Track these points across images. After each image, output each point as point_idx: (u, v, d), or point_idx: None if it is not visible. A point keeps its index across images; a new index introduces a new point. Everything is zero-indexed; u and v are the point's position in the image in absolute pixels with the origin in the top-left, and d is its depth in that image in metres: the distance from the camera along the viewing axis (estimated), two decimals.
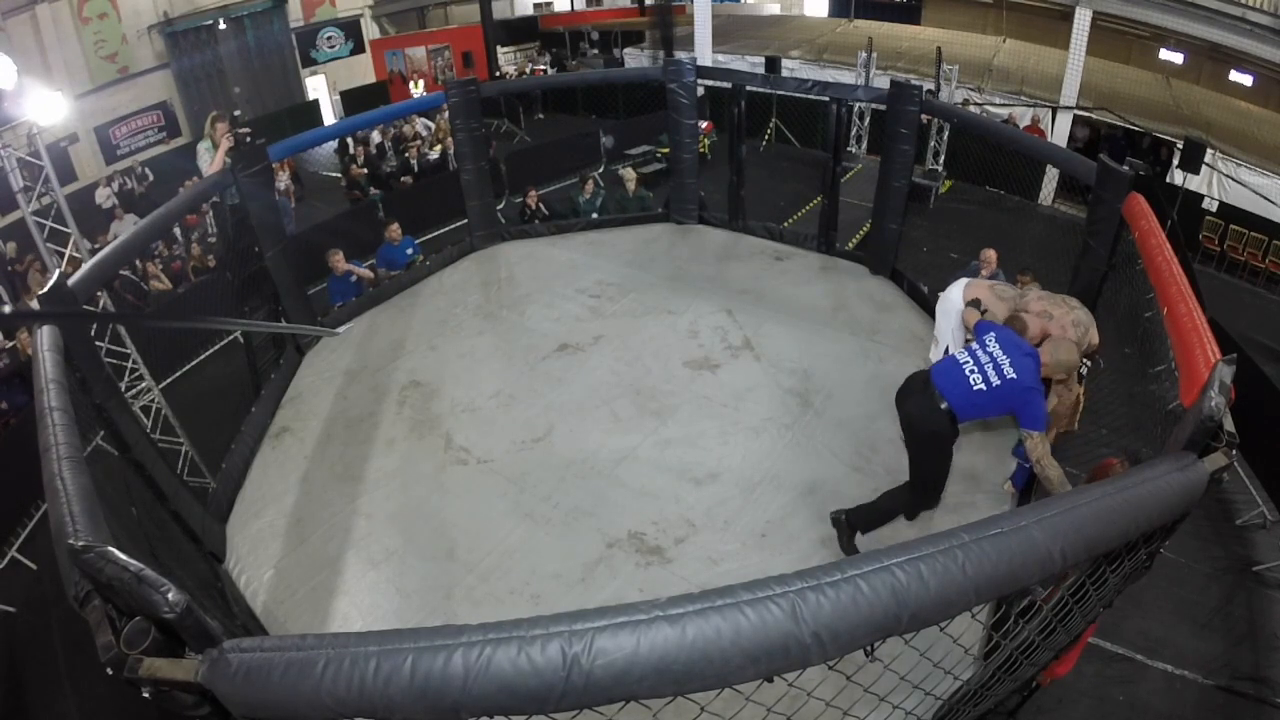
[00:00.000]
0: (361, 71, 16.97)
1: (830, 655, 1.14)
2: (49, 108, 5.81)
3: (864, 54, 12.25)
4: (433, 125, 13.56)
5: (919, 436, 3.07)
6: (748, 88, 6.11)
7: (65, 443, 1.88)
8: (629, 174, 8.07)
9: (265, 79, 15.32)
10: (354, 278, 6.09)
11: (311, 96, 16.21)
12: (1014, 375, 2.80)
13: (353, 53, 16.85)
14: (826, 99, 5.58)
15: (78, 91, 12.24)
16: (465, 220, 6.48)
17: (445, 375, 4.77)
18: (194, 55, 14.14)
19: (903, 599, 1.17)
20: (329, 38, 16.38)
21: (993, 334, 2.99)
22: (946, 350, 3.73)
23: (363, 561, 3.46)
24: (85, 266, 3.21)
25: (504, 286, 5.87)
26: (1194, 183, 9.83)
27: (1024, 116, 11.84)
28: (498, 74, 15.81)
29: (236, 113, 5.10)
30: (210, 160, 4.66)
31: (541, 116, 16.45)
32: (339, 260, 6.02)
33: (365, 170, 12.05)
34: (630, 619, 1.10)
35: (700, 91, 7.16)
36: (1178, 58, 14.00)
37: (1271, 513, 5.47)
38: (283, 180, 10.64)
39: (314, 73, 16.34)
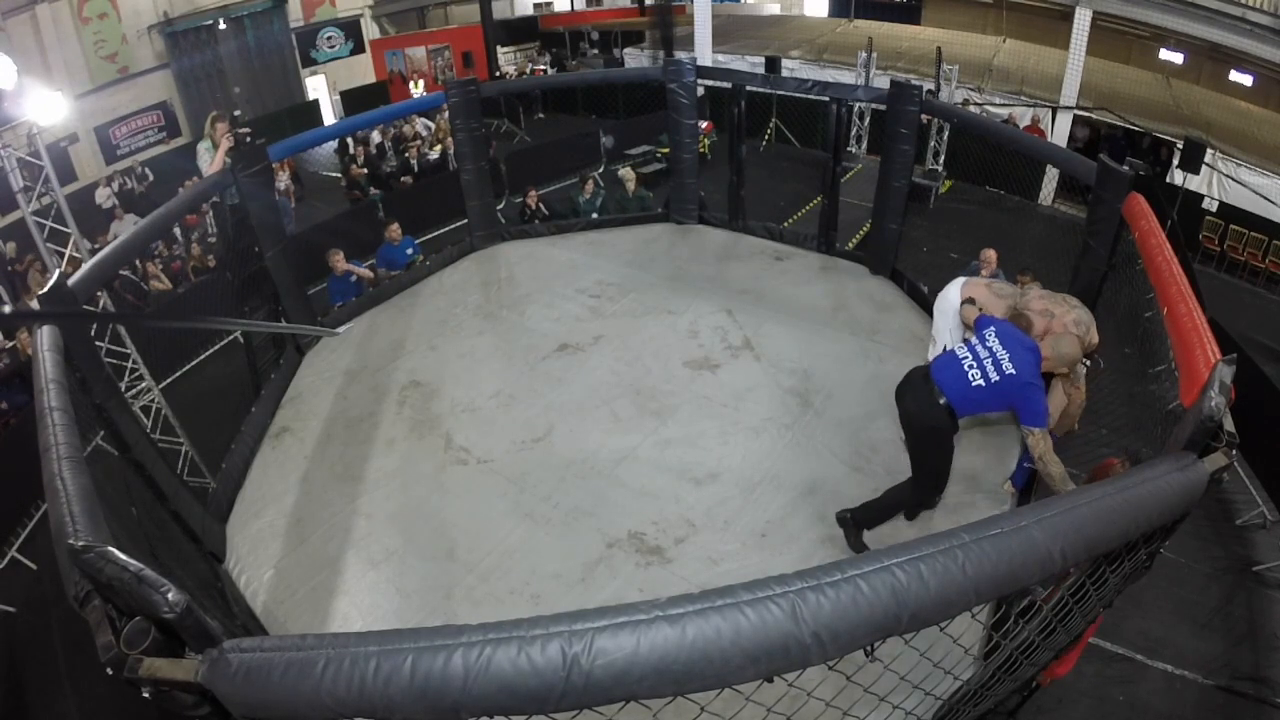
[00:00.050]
0: (361, 71, 16.97)
1: (830, 655, 1.14)
2: (49, 108, 5.81)
3: (864, 54, 12.26)
4: (433, 125, 13.56)
5: (918, 432, 3.07)
6: (748, 88, 6.11)
7: (65, 443, 1.88)
8: (628, 174, 8.07)
9: (265, 79, 15.32)
10: (354, 278, 6.09)
11: (311, 96, 16.21)
12: (1013, 371, 2.79)
13: (353, 53, 16.85)
14: (826, 99, 5.58)
15: (78, 91, 12.24)
16: (465, 220, 6.48)
17: (445, 375, 4.77)
18: (194, 55, 14.14)
19: (903, 599, 1.17)
20: (329, 38, 16.39)
21: (993, 329, 2.98)
22: (945, 349, 3.73)
23: (363, 561, 3.46)
24: (85, 266, 3.21)
25: (504, 286, 5.87)
26: (1194, 183, 9.83)
27: (1024, 116, 11.84)
28: (498, 74, 15.81)
29: (236, 113, 5.09)
30: (210, 160, 4.66)
31: (541, 116, 16.45)
32: (339, 260, 6.02)
33: (365, 170, 12.05)
34: (630, 619, 1.10)
35: (700, 91, 7.16)
36: (1178, 58, 14.00)
37: (1271, 513, 5.47)
38: (283, 180, 10.64)
39: (314, 73, 16.34)
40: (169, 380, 7.10)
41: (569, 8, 21.44)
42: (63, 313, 2.84)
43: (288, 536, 3.64)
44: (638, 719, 1.44)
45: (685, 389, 4.47)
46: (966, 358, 2.92)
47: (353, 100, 15.78)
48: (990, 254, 5.59)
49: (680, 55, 9.86)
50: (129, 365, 5.49)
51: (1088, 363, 3.39)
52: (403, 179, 12.00)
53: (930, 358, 3.86)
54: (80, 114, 12.22)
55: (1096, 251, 3.77)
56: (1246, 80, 12.95)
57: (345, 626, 3.14)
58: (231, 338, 7.53)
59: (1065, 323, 3.27)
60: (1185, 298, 2.37)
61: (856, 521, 3.29)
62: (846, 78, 12.18)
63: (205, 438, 5.43)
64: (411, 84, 16.78)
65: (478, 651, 1.07)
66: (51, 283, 2.88)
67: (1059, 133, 11.58)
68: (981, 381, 2.84)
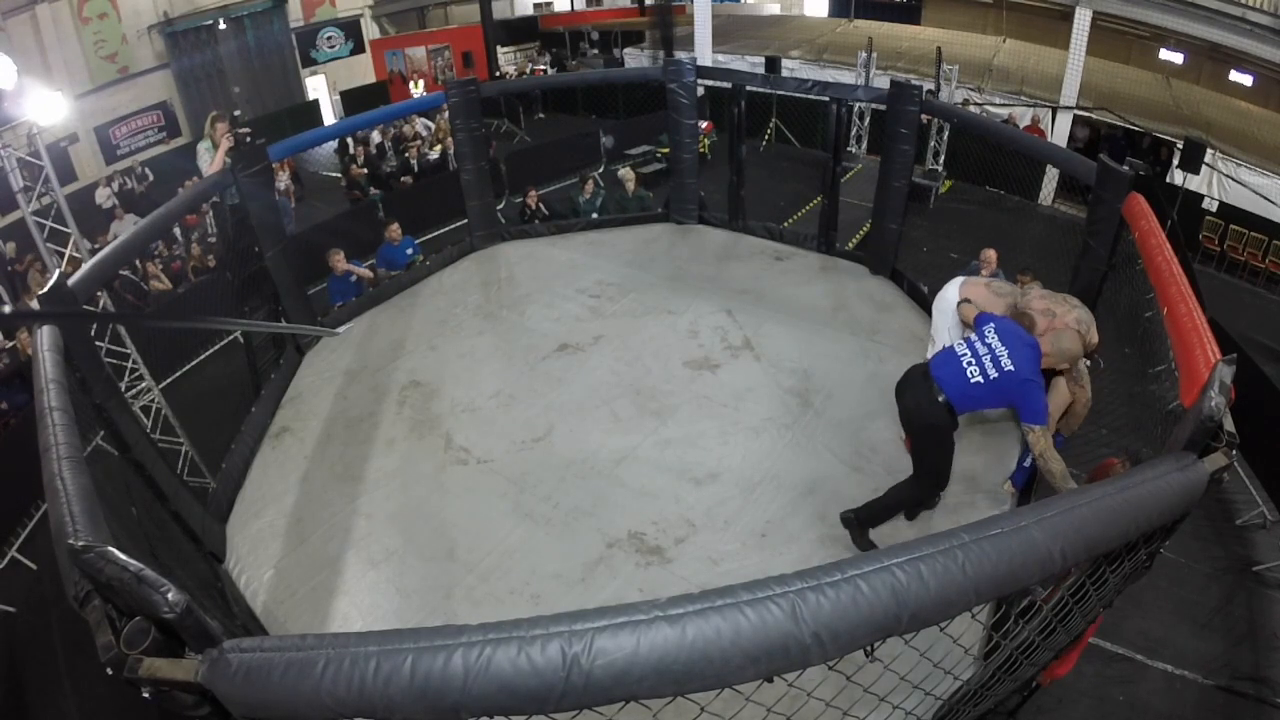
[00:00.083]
0: (361, 71, 16.97)
1: (830, 655, 1.14)
2: (49, 108, 5.81)
3: (864, 54, 12.26)
4: (433, 125, 13.56)
5: (917, 429, 3.07)
6: (748, 88, 6.11)
7: (65, 443, 1.88)
8: (628, 174, 8.07)
9: (265, 79, 15.32)
10: (354, 278, 6.09)
11: (311, 96, 16.21)
12: (1011, 367, 2.78)
13: (353, 53, 16.85)
14: (826, 99, 5.58)
15: (78, 91, 12.24)
16: (465, 220, 6.48)
17: (445, 375, 4.77)
18: (194, 55, 14.14)
19: (903, 599, 1.17)
20: (329, 38, 16.39)
21: (992, 325, 2.96)
22: (945, 348, 3.73)
23: (363, 561, 3.46)
24: (85, 266, 3.21)
25: (504, 286, 5.87)
26: (1194, 183, 9.84)
27: (1024, 116, 11.84)
28: (498, 74, 15.82)
29: (236, 113, 5.10)
30: (210, 160, 4.66)
31: (541, 116, 16.46)
32: (339, 260, 6.03)
33: (365, 170, 12.05)
34: (630, 619, 1.10)
35: (700, 91, 7.15)
36: (1178, 58, 14.00)
37: (1271, 513, 5.47)
38: (283, 180, 10.64)
39: (314, 73, 16.35)
40: (169, 380, 7.10)
41: (569, 8, 21.44)
42: (63, 313, 2.84)
43: (288, 536, 3.64)
44: (638, 719, 1.44)
45: (685, 389, 4.47)
46: (965, 354, 2.92)
47: (353, 100, 15.79)
48: (990, 254, 5.60)
49: (680, 55, 9.86)
50: (129, 365, 5.49)
51: (1087, 362, 3.38)
52: (403, 179, 12.00)
53: (929, 357, 3.87)
54: (80, 114, 12.23)
55: (1096, 251, 3.77)
56: (1246, 80, 12.95)
57: (345, 626, 3.14)
58: (231, 338, 7.53)
59: (1067, 322, 3.27)
60: (1185, 298, 2.37)
61: (860, 521, 3.29)
62: (846, 78, 12.19)
63: (205, 438, 5.43)
64: (411, 84, 16.78)
65: (478, 651, 1.07)
66: (51, 283, 2.88)
67: (1059, 133, 11.58)
68: (980, 379, 2.83)
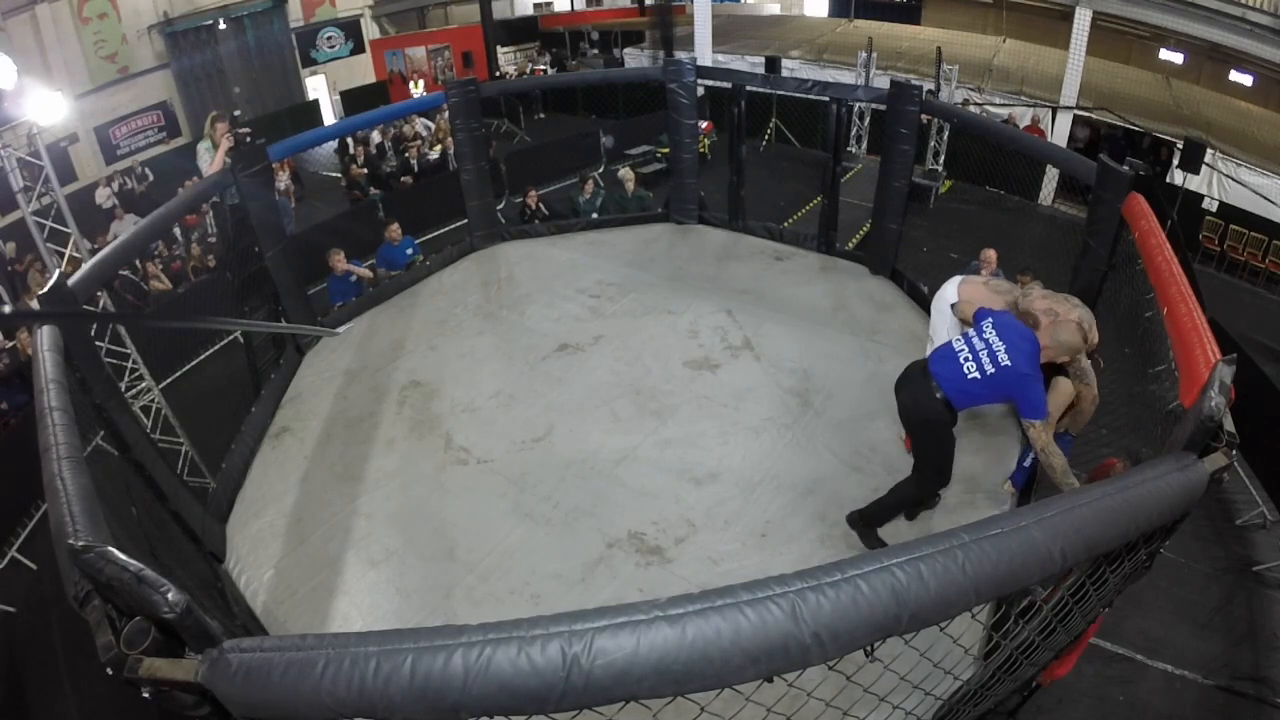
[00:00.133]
0: (361, 71, 16.97)
1: (830, 655, 1.14)
2: (49, 108, 5.81)
3: (864, 54, 12.26)
4: (433, 125, 13.56)
5: (914, 424, 3.07)
6: (748, 88, 6.11)
7: (65, 443, 1.88)
8: (627, 174, 8.07)
9: (265, 79, 15.32)
10: (354, 278, 6.09)
11: (311, 96, 16.21)
12: (1008, 362, 2.76)
13: (353, 53, 16.85)
14: (826, 99, 5.58)
15: (78, 91, 12.24)
16: (465, 220, 6.48)
17: (445, 375, 4.78)
18: (194, 55, 14.14)
19: (903, 599, 1.17)
20: (329, 38, 16.39)
21: (990, 320, 2.94)
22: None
23: (363, 561, 3.46)
24: (85, 266, 3.21)
25: (504, 286, 5.87)
26: (1194, 183, 9.84)
27: (1024, 116, 11.84)
28: (498, 74, 15.82)
29: (236, 113, 5.09)
30: (210, 160, 4.66)
31: (541, 116, 16.46)
32: (339, 260, 6.03)
33: (365, 170, 12.05)
34: (630, 619, 1.10)
35: (700, 91, 7.16)
36: (1178, 58, 14.00)
37: (1271, 513, 5.47)
38: (283, 180, 10.64)
39: (314, 73, 16.34)
40: (169, 380, 7.10)
41: (569, 8, 21.44)
42: (63, 313, 2.84)
43: (288, 536, 3.64)
44: (638, 719, 1.44)
45: (685, 389, 4.47)
46: (963, 350, 2.91)
47: (353, 100, 15.79)
48: (990, 254, 5.60)
49: (680, 55, 9.87)
50: (129, 365, 5.49)
51: (1097, 361, 3.37)
52: (403, 179, 12.00)
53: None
54: (80, 114, 12.23)
55: (1096, 251, 3.77)
56: (1246, 80, 12.95)
57: (345, 626, 3.14)
58: (231, 338, 7.53)
59: (1069, 317, 3.26)
60: (1185, 298, 2.37)
61: (866, 520, 3.30)
62: (846, 78, 12.19)
63: (205, 438, 5.43)
64: (411, 84, 16.78)
65: (478, 651, 1.07)
66: (51, 283, 2.88)
67: (1059, 133, 11.58)
68: (977, 374, 2.82)
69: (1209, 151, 9.52)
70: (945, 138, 11.66)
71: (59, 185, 5.36)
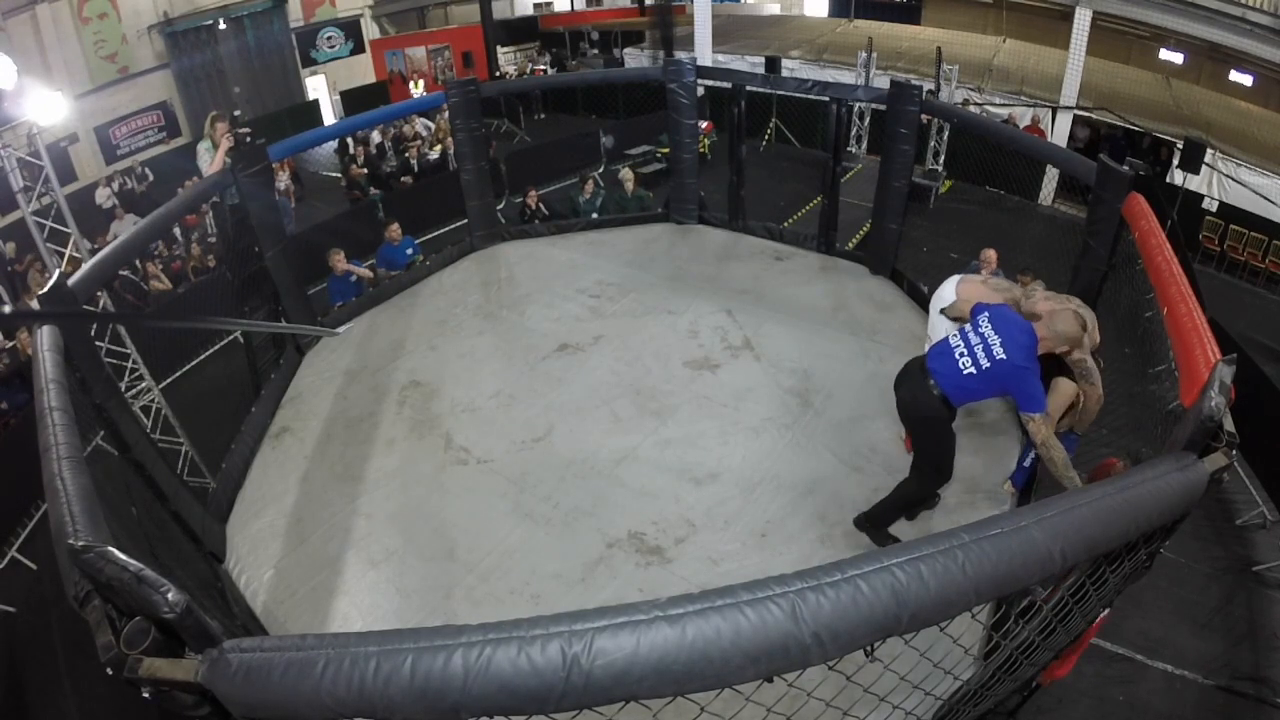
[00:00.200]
0: (361, 71, 16.97)
1: (830, 655, 1.14)
2: (49, 108, 5.81)
3: (864, 54, 12.26)
4: (433, 125, 13.56)
5: (913, 421, 3.07)
6: (748, 88, 6.11)
7: (65, 443, 1.88)
8: (626, 174, 8.07)
9: (265, 79, 15.32)
10: (354, 278, 6.09)
11: (311, 96, 16.21)
12: (1003, 356, 2.75)
13: (353, 53, 16.85)
14: (826, 99, 5.58)
15: (78, 91, 12.24)
16: (465, 220, 6.48)
17: (445, 375, 4.78)
18: (194, 55, 14.14)
19: (903, 599, 1.17)
20: (329, 38, 16.39)
21: (986, 314, 2.92)
22: None
23: (363, 561, 3.46)
24: (85, 266, 3.21)
25: (504, 286, 5.87)
26: (1194, 183, 9.84)
27: (1024, 116, 11.84)
28: (498, 74, 15.82)
29: (236, 113, 5.09)
30: (210, 160, 4.66)
31: (541, 116, 16.46)
32: (339, 260, 6.03)
33: (365, 170, 12.05)
34: (630, 619, 1.10)
35: (700, 91, 7.15)
36: (1178, 58, 14.00)
37: (1271, 513, 5.47)
38: (283, 180, 10.64)
39: (314, 73, 16.34)
40: (169, 380, 7.10)
41: (569, 8, 21.44)
42: (63, 313, 2.84)
43: (288, 536, 3.64)
44: (638, 719, 1.44)
45: (685, 389, 4.47)
46: (959, 346, 2.90)
47: (353, 100, 15.79)
48: (990, 254, 5.60)
49: (680, 55, 9.87)
50: (129, 365, 5.49)
51: (1093, 362, 3.36)
52: (403, 179, 12.00)
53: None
54: (80, 114, 12.23)
55: (1096, 251, 3.77)
56: (1246, 80, 12.95)
57: (345, 626, 3.14)
58: (231, 338, 7.53)
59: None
60: (1185, 298, 2.37)
61: (872, 522, 3.31)
62: (846, 78, 12.19)
63: (205, 438, 5.43)
64: (411, 84, 16.78)
65: (478, 651, 1.07)
66: (51, 283, 2.88)
67: (1059, 133, 11.58)
68: (973, 369, 2.81)
69: (1209, 151, 9.52)
70: (945, 138, 11.66)
71: (59, 185, 5.36)
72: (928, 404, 2.92)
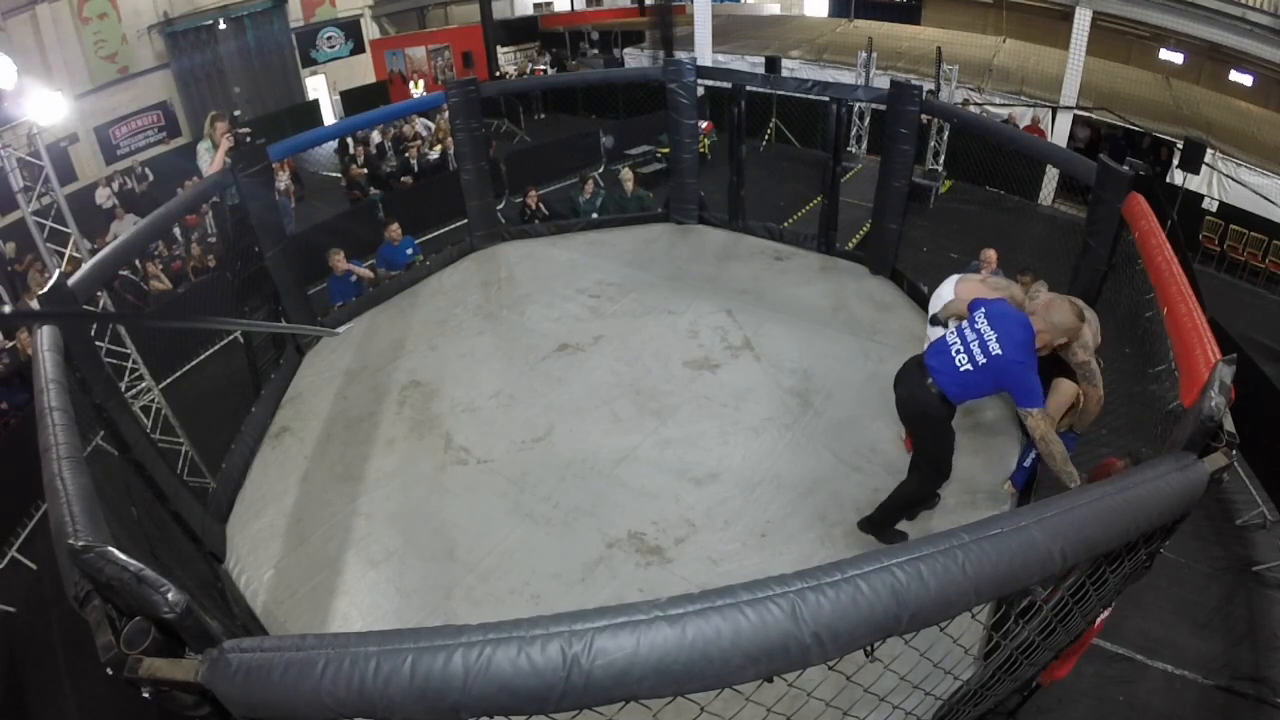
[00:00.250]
0: (361, 71, 16.97)
1: (830, 655, 1.14)
2: (49, 108, 5.80)
3: (864, 54, 12.26)
4: (433, 125, 13.56)
5: (912, 418, 3.08)
6: (748, 88, 6.11)
7: (65, 443, 1.88)
8: (626, 174, 8.07)
9: (265, 79, 15.32)
10: (354, 278, 6.09)
11: (311, 96, 16.21)
12: (999, 351, 2.74)
13: (353, 53, 16.85)
14: (826, 99, 5.58)
15: (78, 91, 12.23)
16: (465, 220, 6.48)
17: (445, 375, 4.78)
18: (194, 55, 14.14)
19: (903, 599, 1.17)
20: (329, 38, 16.38)
21: (982, 310, 2.91)
22: None
23: (363, 561, 3.46)
24: (85, 266, 3.21)
25: (504, 286, 5.87)
26: (1194, 183, 9.83)
27: (1024, 116, 11.84)
28: (498, 74, 15.82)
29: (236, 113, 5.09)
30: (210, 160, 4.66)
31: (541, 116, 16.46)
32: (339, 260, 6.03)
33: (365, 170, 12.05)
34: (630, 619, 1.10)
35: (700, 91, 7.15)
36: (1178, 58, 14.00)
37: (1271, 513, 5.47)
38: (283, 180, 10.64)
39: (314, 73, 16.34)
40: (169, 380, 7.09)
41: (569, 8, 21.44)
42: (63, 313, 2.84)
43: (288, 536, 3.64)
44: (638, 719, 1.44)
45: (685, 389, 4.47)
46: (955, 343, 2.89)
47: (353, 100, 15.78)
48: (990, 254, 5.59)
49: (680, 55, 9.86)
50: (129, 365, 5.49)
51: (1095, 364, 3.36)
52: (403, 179, 12.00)
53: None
54: (80, 114, 12.22)
55: (1096, 251, 3.77)
56: (1246, 80, 12.95)
57: (345, 626, 3.14)
58: (231, 338, 7.52)
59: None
60: (1185, 298, 2.37)
61: (875, 524, 3.32)
62: (846, 78, 12.18)
63: (205, 438, 5.42)
64: (411, 84, 16.77)
65: (478, 651, 1.07)
66: (51, 283, 2.88)
67: (1059, 133, 11.58)
68: (969, 366, 2.80)
69: (1209, 151, 9.51)
70: (945, 138, 11.66)
71: (59, 185, 5.36)
72: (926, 401, 2.92)
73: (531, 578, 3.32)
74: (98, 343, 4.70)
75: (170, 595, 1.15)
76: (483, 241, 6.48)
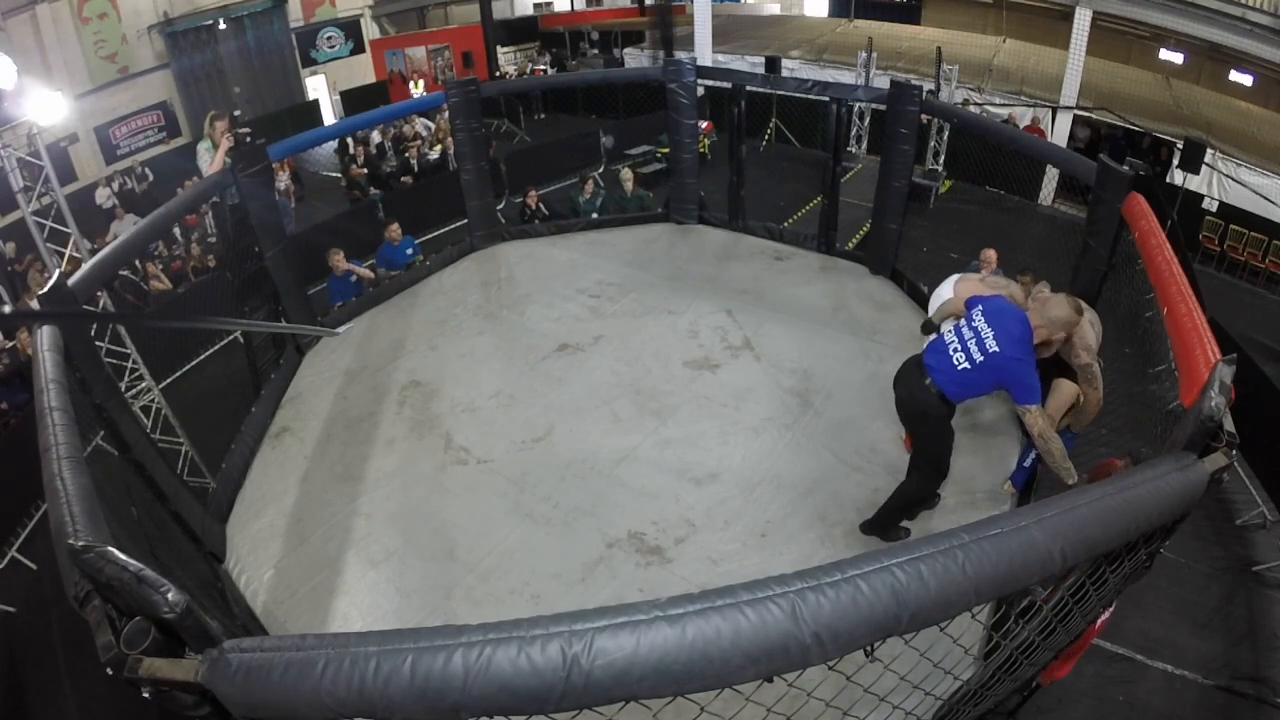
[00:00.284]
0: (361, 71, 16.97)
1: (830, 655, 1.14)
2: (49, 108, 5.80)
3: (864, 54, 12.25)
4: (433, 125, 13.56)
5: (911, 417, 3.08)
6: (748, 88, 6.11)
7: (65, 443, 1.88)
8: (626, 174, 8.07)
9: (265, 79, 15.32)
10: (354, 278, 6.09)
11: (311, 96, 16.20)
12: (996, 348, 2.73)
13: (353, 53, 16.84)
14: (826, 99, 5.58)
15: (78, 91, 12.23)
16: (465, 220, 6.48)
17: (445, 375, 4.78)
18: (194, 55, 14.13)
19: (903, 599, 1.17)
20: (329, 38, 16.38)
21: (979, 307, 2.90)
22: None
23: (363, 561, 3.46)
24: (85, 266, 3.21)
25: (504, 286, 5.87)
26: (1194, 183, 9.83)
27: (1024, 116, 11.84)
28: (498, 74, 15.81)
29: (236, 113, 5.09)
30: (210, 160, 4.66)
31: (541, 116, 16.45)
32: (339, 260, 6.02)
33: (365, 170, 12.05)
34: (630, 619, 1.10)
35: (700, 91, 7.15)
36: (1178, 58, 14.00)
37: (1271, 513, 5.47)
38: (283, 180, 10.64)
39: (314, 73, 16.34)
40: (169, 380, 7.09)
41: (569, 8, 21.44)
42: (63, 313, 2.84)
43: (288, 536, 3.64)
44: (638, 719, 1.44)
45: (685, 389, 4.47)
46: (952, 342, 2.89)
47: (353, 100, 15.78)
48: (990, 254, 5.59)
49: (680, 55, 9.86)
50: (129, 365, 5.49)
51: (1098, 367, 3.36)
52: (403, 179, 12.00)
53: None
54: (80, 114, 12.22)
55: (1096, 251, 3.77)
56: (1246, 80, 12.95)
57: (345, 626, 3.14)
58: (231, 338, 7.52)
59: (1083, 324, 3.24)
60: (1185, 298, 2.37)
61: (877, 526, 3.32)
62: (846, 78, 12.18)
63: (205, 438, 5.42)
64: (411, 84, 16.77)
65: (478, 651, 1.07)
66: (51, 283, 2.88)
67: (1059, 133, 11.58)
68: (967, 364, 2.80)
69: (1209, 151, 9.51)
70: (945, 138, 11.66)
71: (59, 185, 5.36)
72: (926, 401, 2.92)
73: (531, 578, 3.32)
74: (98, 343, 4.70)
75: (170, 595, 1.15)
76: (483, 241, 6.48)
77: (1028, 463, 3.61)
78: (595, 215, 7.29)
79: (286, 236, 5.00)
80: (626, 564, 3.36)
